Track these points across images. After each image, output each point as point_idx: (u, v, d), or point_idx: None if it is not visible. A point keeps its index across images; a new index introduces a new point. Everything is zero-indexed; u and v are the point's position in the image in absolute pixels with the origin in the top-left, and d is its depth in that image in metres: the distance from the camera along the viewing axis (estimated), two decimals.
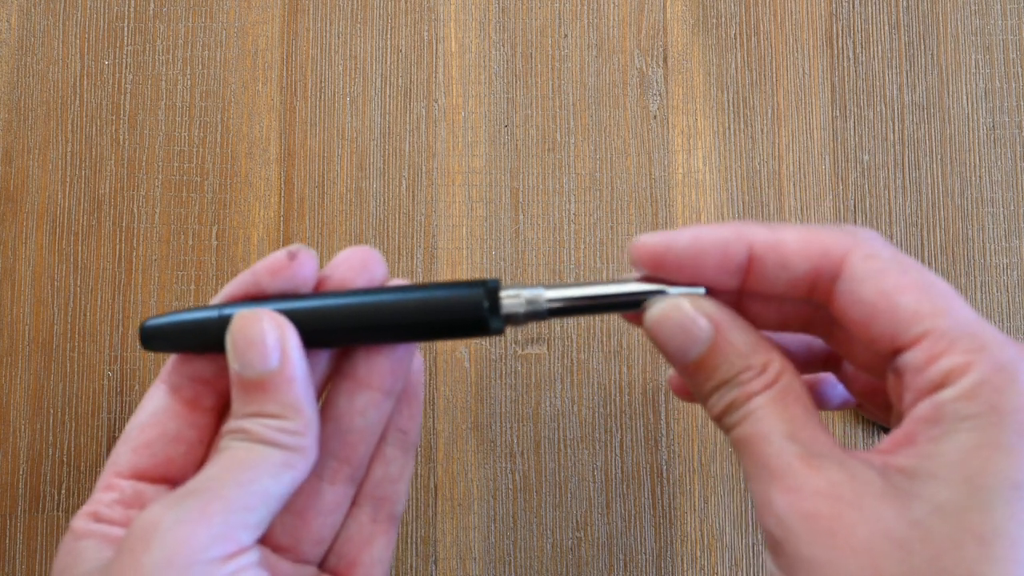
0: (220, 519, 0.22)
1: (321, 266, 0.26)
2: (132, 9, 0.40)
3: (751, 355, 0.23)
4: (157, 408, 0.26)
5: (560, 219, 0.39)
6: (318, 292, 0.26)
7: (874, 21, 0.39)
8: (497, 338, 0.38)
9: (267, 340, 0.24)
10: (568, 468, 0.37)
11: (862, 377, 0.27)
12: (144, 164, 0.40)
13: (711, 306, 0.23)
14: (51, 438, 0.38)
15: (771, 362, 0.23)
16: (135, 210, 0.39)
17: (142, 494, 0.26)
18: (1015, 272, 0.38)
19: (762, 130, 0.39)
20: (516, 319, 0.25)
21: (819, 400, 0.30)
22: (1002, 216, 0.38)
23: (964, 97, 0.39)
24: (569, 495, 0.37)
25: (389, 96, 0.40)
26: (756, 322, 0.25)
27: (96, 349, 0.39)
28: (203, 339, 0.25)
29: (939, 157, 0.39)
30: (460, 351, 0.38)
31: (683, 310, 0.23)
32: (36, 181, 0.40)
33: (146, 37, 0.40)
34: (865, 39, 0.39)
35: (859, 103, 0.39)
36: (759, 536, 0.37)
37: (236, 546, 0.22)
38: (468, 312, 0.25)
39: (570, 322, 0.38)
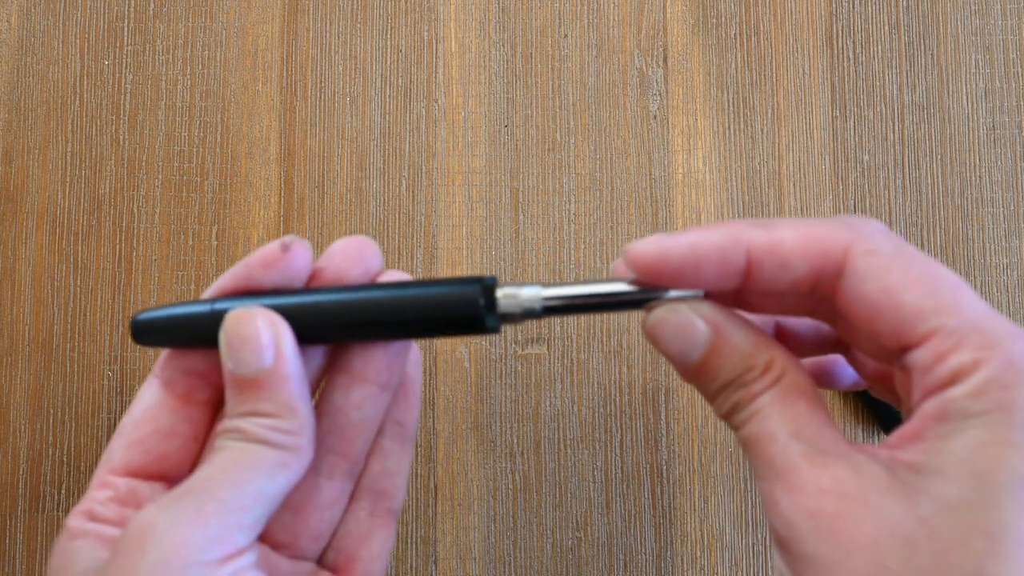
0: (216, 521, 0.22)
1: (316, 258, 0.26)
2: (132, 9, 0.40)
3: (753, 355, 0.23)
4: (150, 403, 0.26)
5: (560, 219, 0.39)
6: (312, 288, 0.26)
7: (874, 21, 0.39)
8: (497, 338, 0.38)
9: (261, 338, 0.24)
10: (568, 468, 0.37)
11: (871, 362, 0.27)
12: (144, 164, 0.40)
13: (709, 309, 0.23)
14: (51, 438, 0.38)
15: (774, 361, 0.23)
16: (135, 210, 0.39)
17: (137, 491, 0.26)
18: (1015, 272, 0.38)
19: (762, 130, 0.39)
20: (512, 318, 0.25)
21: (830, 380, 0.30)
22: (1002, 216, 0.38)
23: (964, 97, 0.39)
24: (569, 495, 0.37)
25: (389, 96, 0.40)
26: (759, 310, 0.25)
27: (96, 349, 0.39)
28: (195, 333, 0.25)
29: (939, 157, 0.39)
30: (460, 351, 0.38)
31: (680, 314, 0.23)
32: (36, 181, 0.40)
33: (146, 37, 0.40)
34: (865, 39, 0.39)
35: (859, 103, 0.39)
36: (759, 536, 0.37)
37: (232, 548, 0.22)
38: (464, 310, 0.25)
39: (570, 322, 0.38)
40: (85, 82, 0.40)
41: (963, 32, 0.39)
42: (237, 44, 0.40)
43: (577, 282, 0.25)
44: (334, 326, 0.25)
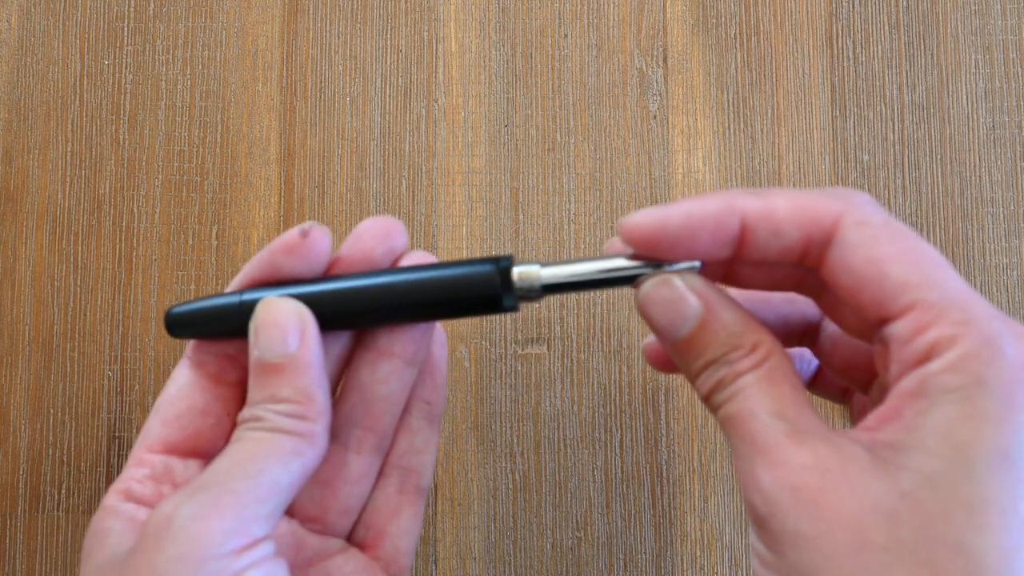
0: (231, 514, 0.22)
1: (335, 242, 0.27)
2: (132, 9, 0.40)
3: (741, 334, 0.23)
4: (184, 383, 0.27)
5: (560, 219, 0.39)
6: (332, 275, 0.26)
7: (874, 21, 0.39)
8: (497, 338, 0.38)
9: (288, 325, 0.25)
10: (568, 468, 0.38)
11: (839, 352, 0.27)
12: (144, 164, 0.40)
13: (702, 284, 0.24)
14: (51, 438, 0.38)
15: (760, 342, 0.23)
16: (135, 210, 0.39)
17: (172, 469, 0.26)
18: (1015, 272, 0.38)
19: (762, 130, 0.39)
20: (530, 295, 0.25)
21: None
22: (1002, 216, 0.38)
23: (964, 97, 0.39)
24: (569, 495, 0.37)
25: (389, 96, 0.40)
26: (747, 284, 0.25)
27: (96, 349, 0.39)
28: (226, 325, 0.26)
29: (939, 157, 0.39)
30: (460, 351, 0.38)
31: (674, 287, 0.24)
32: (36, 181, 0.40)
33: (146, 37, 0.40)
34: (865, 39, 0.39)
35: (859, 103, 0.39)
36: None
37: (249, 539, 0.22)
38: (481, 291, 0.25)
39: (570, 322, 0.38)
40: (85, 82, 0.40)
41: (963, 32, 0.39)
42: (237, 44, 0.40)
43: (576, 260, 0.25)
44: (354, 314, 0.26)
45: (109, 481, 0.38)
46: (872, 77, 0.39)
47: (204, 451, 0.27)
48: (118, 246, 0.39)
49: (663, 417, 0.38)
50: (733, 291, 0.27)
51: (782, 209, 0.22)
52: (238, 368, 0.27)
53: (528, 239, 0.39)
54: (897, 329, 0.21)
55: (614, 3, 0.40)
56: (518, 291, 0.25)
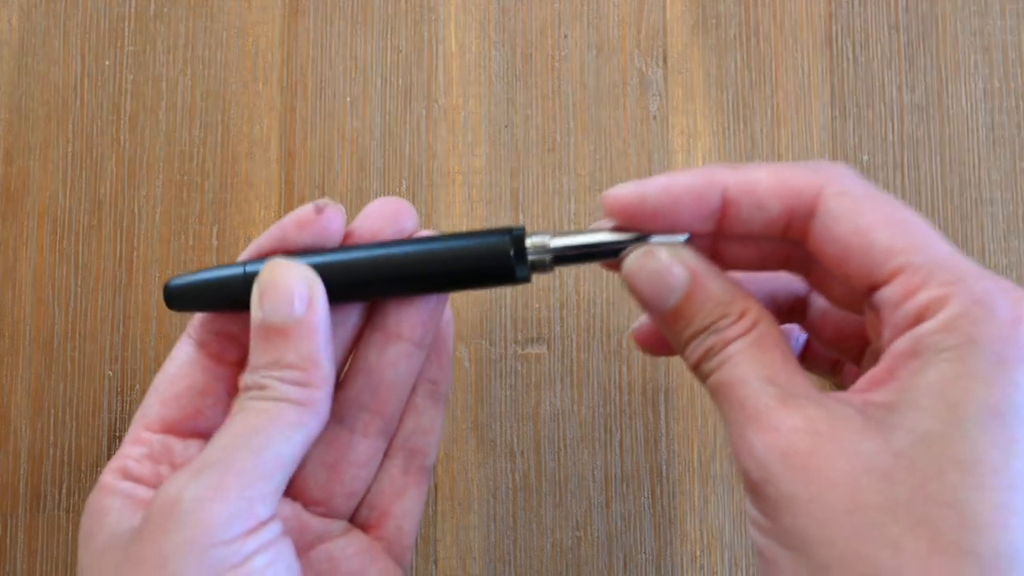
0: (236, 494, 0.22)
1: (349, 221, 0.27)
2: (133, 10, 0.40)
3: (729, 303, 0.23)
4: (184, 361, 0.27)
5: (560, 219, 0.39)
6: (342, 246, 0.26)
7: (873, 22, 0.39)
8: (497, 338, 0.38)
9: (295, 287, 0.24)
10: (568, 468, 0.38)
11: (829, 325, 0.28)
12: (145, 164, 0.40)
13: (688, 254, 0.24)
14: (52, 438, 0.38)
15: (748, 310, 0.23)
16: (136, 210, 0.39)
17: (171, 448, 0.26)
18: (1015, 272, 0.38)
19: (762, 130, 0.39)
20: (542, 265, 0.25)
21: None
22: (1002, 216, 0.38)
23: (963, 97, 0.39)
24: (569, 495, 0.37)
25: (389, 96, 0.40)
26: (735, 263, 0.25)
27: (97, 349, 0.39)
28: (228, 297, 0.26)
29: (939, 157, 0.39)
30: (460, 351, 0.38)
31: (659, 259, 0.24)
32: (37, 181, 0.40)
33: (147, 38, 0.40)
34: (864, 39, 0.39)
35: (859, 103, 0.39)
36: None
37: (255, 521, 0.22)
38: (494, 261, 0.25)
39: (570, 322, 0.38)
40: (86, 82, 0.40)
41: (962, 33, 0.39)
42: (238, 45, 0.40)
43: (586, 230, 0.25)
44: (364, 282, 0.25)
45: None
46: (871, 77, 0.39)
47: (204, 431, 0.27)
48: (119, 246, 0.39)
49: (663, 417, 0.38)
50: None
51: (763, 182, 0.23)
52: (240, 347, 0.27)
53: None
54: (887, 294, 0.21)
55: (614, 3, 0.40)
56: (530, 261, 0.25)
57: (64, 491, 0.38)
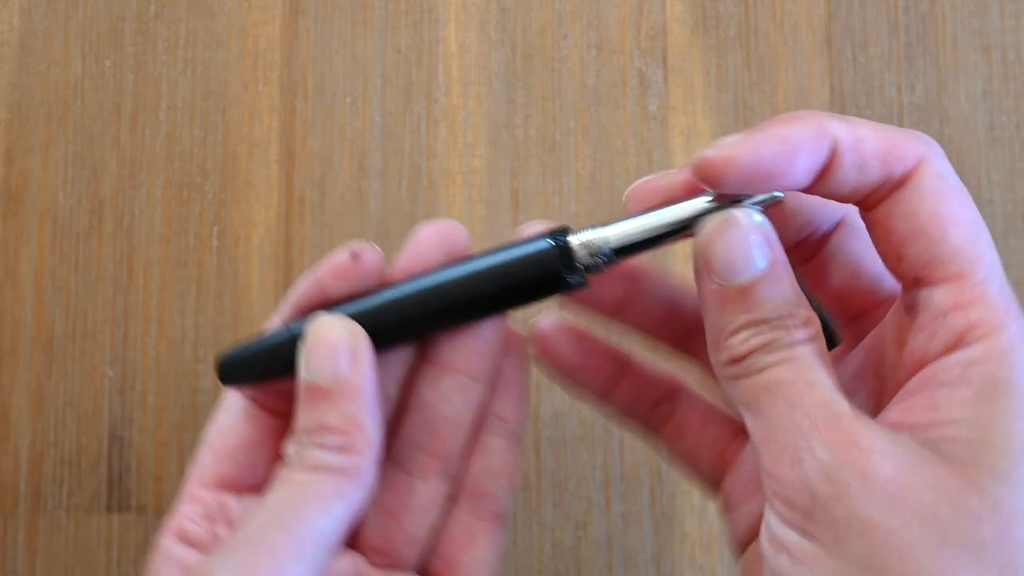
0: None
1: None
2: (133, 10, 0.40)
3: (798, 303, 0.21)
4: (237, 414, 0.26)
5: (560, 219, 0.39)
6: (383, 287, 0.24)
7: (873, 22, 0.40)
8: None
9: (340, 344, 0.23)
10: (568, 468, 0.38)
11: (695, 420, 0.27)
12: (145, 164, 0.40)
13: (775, 237, 0.22)
14: (52, 437, 0.38)
15: (813, 319, 0.21)
16: (136, 210, 0.39)
17: (227, 506, 0.25)
18: (1015, 272, 0.38)
19: None
20: (598, 265, 0.23)
21: None
22: (1001, 216, 0.39)
23: (963, 98, 0.39)
24: (569, 495, 0.37)
25: (389, 96, 0.40)
26: (628, 320, 0.25)
27: (97, 349, 0.39)
28: (279, 361, 0.24)
29: None
30: None
31: (747, 227, 0.21)
32: (38, 181, 0.40)
33: (147, 38, 0.40)
34: (864, 40, 0.39)
35: (858, 103, 0.39)
36: None
37: None
38: (539, 272, 0.23)
39: None
40: (86, 83, 0.40)
41: (962, 33, 0.39)
42: (238, 45, 0.40)
43: (638, 215, 0.23)
44: (404, 325, 0.24)
45: (110, 480, 0.38)
46: (871, 78, 0.39)
47: (259, 485, 0.25)
48: (119, 246, 0.39)
49: None
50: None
51: (870, 141, 0.21)
52: (292, 399, 0.25)
53: None
54: (936, 297, 0.20)
55: (614, 3, 0.40)
56: (583, 264, 0.23)
57: (65, 491, 0.38)
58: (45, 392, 0.39)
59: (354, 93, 0.40)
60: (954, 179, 0.21)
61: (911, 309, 0.21)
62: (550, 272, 0.23)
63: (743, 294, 0.21)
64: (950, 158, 0.21)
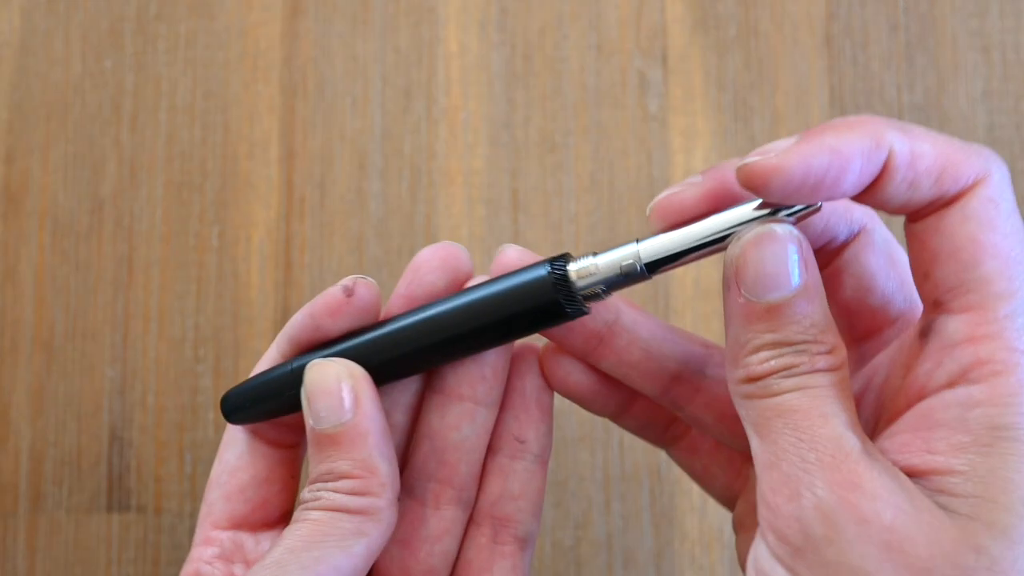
0: None
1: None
2: (133, 10, 0.41)
3: (825, 330, 0.20)
4: (242, 450, 0.25)
5: (560, 219, 0.39)
6: (378, 322, 0.24)
7: (872, 22, 0.40)
8: None
9: (340, 392, 0.23)
10: (568, 467, 0.38)
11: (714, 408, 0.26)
12: (145, 165, 0.40)
13: (812, 258, 0.21)
14: (52, 437, 0.38)
15: (839, 347, 0.20)
16: (136, 210, 0.39)
17: (242, 545, 0.25)
18: None
19: (761, 130, 0.39)
20: (597, 296, 0.22)
21: None
22: None
23: (963, 98, 0.39)
24: (569, 495, 0.37)
25: (389, 96, 0.40)
26: (607, 363, 0.24)
27: (97, 349, 0.39)
28: (283, 398, 0.24)
29: None
30: None
31: (785, 244, 0.20)
32: (38, 181, 0.40)
33: (147, 38, 0.40)
34: (864, 40, 0.39)
35: (858, 104, 0.39)
36: None
37: None
38: (538, 301, 0.22)
39: None
40: (87, 83, 0.40)
41: (961, 33, 0.39)
42: (238, 45, 0.40)
43: (677, 227, 0.22)
44: (405, 360, 0.24)
45: (110, 480, 0.38)
46: (871, 78, 0.39)
47: (273, 520, 0.25)
48: (119, 246, 0.39)
49: None
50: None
51: (928, 156, 0.19)
52: (295, 431, 0.25)
53: (528, 239, 0.39)
54: (951, 326, 0.19)
55: (614, 3, 0.40)
56: (582, 289, 0.22)
57: (65, 491, 0.38)
58: (45, 392, 0.39)
59: (354, 93, 0.40)
60: (1008, 205, 0.20)
61: (924, 334, 0.20)
62: (550, 302, 0.23)
63: (771, 312, 0.20)
64: None
